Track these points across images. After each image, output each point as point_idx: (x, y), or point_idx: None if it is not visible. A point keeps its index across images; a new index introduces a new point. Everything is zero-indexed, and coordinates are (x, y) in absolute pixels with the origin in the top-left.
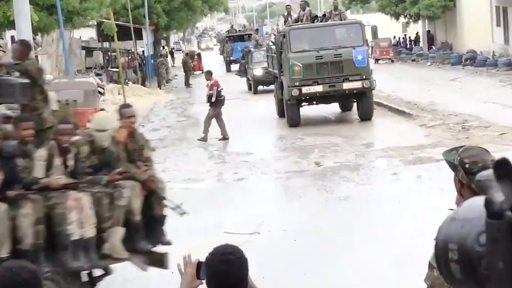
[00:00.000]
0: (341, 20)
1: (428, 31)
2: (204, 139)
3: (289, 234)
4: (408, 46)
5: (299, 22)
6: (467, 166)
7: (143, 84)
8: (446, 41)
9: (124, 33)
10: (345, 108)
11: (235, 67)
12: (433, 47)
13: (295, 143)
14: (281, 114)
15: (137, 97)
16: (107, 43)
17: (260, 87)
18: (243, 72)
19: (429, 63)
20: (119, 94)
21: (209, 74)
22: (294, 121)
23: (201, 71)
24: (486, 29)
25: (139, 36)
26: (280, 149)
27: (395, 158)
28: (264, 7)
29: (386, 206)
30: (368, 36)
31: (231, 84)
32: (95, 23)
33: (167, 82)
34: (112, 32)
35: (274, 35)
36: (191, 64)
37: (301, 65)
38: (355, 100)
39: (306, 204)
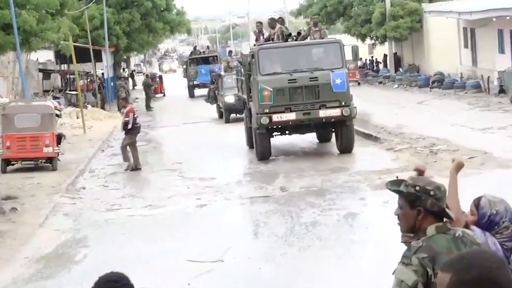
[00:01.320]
0: (322, 38)
1: (395, 53)
2: (131, 167)
3: (254, 261)
4: (374, 68)
5: (270, 42)
6: (432, 193)
7: (102, 107)
8: (413, 63)
9: (83, 55)
10: (324, 138)
11: (199, 92)
12: (400, 69)
13: (259, 167)
14: (251, 144)
15: (97, 121)
16: (65, 65)
17: (232, 115)
18: (212, 98)
19: (396, 86)
20: (77, 117)
21: (125, 101)
22: (264, 154)
23: (162, 94)
24: (453, 51)
25: (98, 58)
26: (245, 174)
27: (362, 183)
28: (227, 28)
29: (354, 232)
30: (348, 57)
31: (197, 110)
32: (53, 45)
33: None
34: (70, 53)
35: (241, 55)
36: (153, 86)
37: (271, 90)
38: (333, 130)
39: (271, 231)
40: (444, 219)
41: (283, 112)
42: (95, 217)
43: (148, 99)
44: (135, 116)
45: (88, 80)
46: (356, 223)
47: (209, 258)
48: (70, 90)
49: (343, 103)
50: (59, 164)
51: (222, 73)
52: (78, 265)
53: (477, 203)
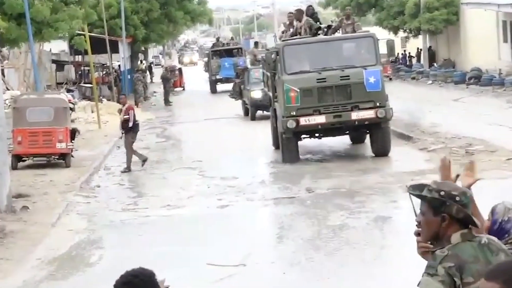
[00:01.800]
0: (355, 32)
1: (430, 47)
2: (144, 163)
3: (277, 266)
4: (407, 63)
5: (297, 36)
6: (457, 198)
7: (118, 101)
8: (448, 58)
9: (98, 46)
10: (357, 139)
11: (222, 87)
12: (435, 64)
13: (284, 166)
14: (277, 145)
15: (112, 116)
16: (80, 56)
17: (259, 112)
18: (237, 93)
19: (430, 82)
20: (92, 112)
21: (124, 97)
22: (290, 158)
23: (182, 88)
24: (492, 45)
25: (115, 49)
26: (269, 173)
27: (393, 185)
28: (251, 19)
29: (384, 237)
30: (383, 52)
31: (219, 106)
32: (67, 35)
33: (145, 100)
34: (83, 48)
35: (267, 50)
36: (172, 80)
37: (298, 90)
38: (367, 131)
39: (296, 234)
40: (470, 226)
41: (312, 114)
42: (110, 217)
43: (166, 93)
44: (135, 113)
45: (104, 72)
46: (387, 227)
47: (231, 262)
48: (84, 83)
49: (377, 104)
50: (73, 161)
51: (249, 66)
52: (93, 268)
53: (493, 208)
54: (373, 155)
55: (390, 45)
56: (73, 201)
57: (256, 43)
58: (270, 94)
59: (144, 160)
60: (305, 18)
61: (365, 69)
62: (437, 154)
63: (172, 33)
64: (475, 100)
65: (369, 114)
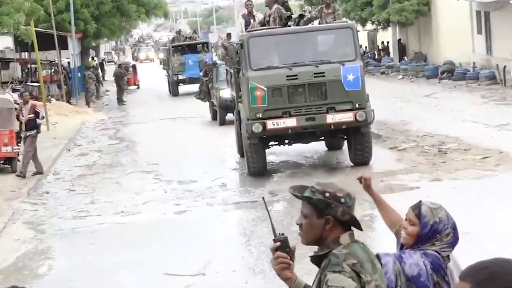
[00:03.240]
0: (336, 21)
1: (399, 40)
2: (39, 172)
3: (239, 275)
4: (376, 57)
5: (266, 26)
6: (343, 200)
7: (68, 101)
8: (420, 51)
9: (46, 42)
10: (334, 145)
11: (185, 88)
12: (405, 58)
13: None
14: (242, 153)
15: (62, 117)
16: (26, 53)
17: (230, 115)
18: (205, 93)
19: (400, 76)
20: None
21: (26, 94)
22: (257, 169)
23: (136, 87)
24: (465, 37)
25: (64, 46)
26: (229, 176)
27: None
28: (210, 12)
29: None
30: (363, 45)
31: (180, 107)
32: (11, 31)
33: (97, 99)
34: (30, 39)
35: (224, 45)
36: (125, 78)
37: (265, 89)
38: (344, 137)
39: (259, 240)
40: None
41: (281, 117)
42: (60, 225)
43: (120, 91)
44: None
45: (52, 70)
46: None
47: (189, 271)
48: (31, 82)
49: (357, 105)
50: (19, 165)
51: (218, 61)
52: (41, 279)
53: (417, 212)
54: (351, 164)
55: (371, 37)
56: (20, 208)
57: (228, 35)
58: (234, 93)
59: (39, 173)
60: (275, 6)
61: (343, 65)
62: (408, 153)
63: (124, 27)
64: (448, 96)
65: (347, 117)
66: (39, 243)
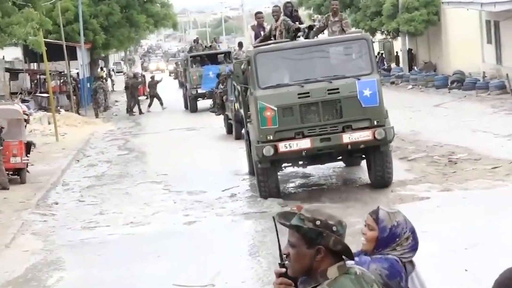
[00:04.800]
0: (343, 31)
1: (409, 50)
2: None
3: (249, 286)
4: (385, 67)
5: (271, 39)
6: (334, 228)
7: (77, 111)
8: (429, 61)
9: (55, 53)
10: (351, 162)
11: (204, 103)
12: (415, 67)
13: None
14: (253, 173)
15: (71, 127)
16: (36, 64)
17: None
18: (219, 106)
19: (410, 86)
20: (49, 123)
21: None
22: (268, 193)
23: (146, 97)
24: (475, 47)
25: (73, 56)
26: (239, 186)
27: (371, 196)
28: (219, 22)
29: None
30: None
31: (193, 118)
32: (21, 41)
33: (105, 110)
34: (40, 49)
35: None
36: (137, 88)
37: (275, 109)
38: (363, 156)
39: (268, 251)
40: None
41: (293, 138)
42: (69, 236)
43: (131, 102)
44: None
45: (61, 80)
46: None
47: (199, 282)
48: (41, 92)
49: (375, 122)
50: (28, 176)
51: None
52: None
53: (375, 217)
54: (371, 184)
55: (388, 48)
56: (29, 219)
57: (240, 44)
58: (242, 112)
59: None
60: (282, 17)
61: (359, 79)
62: (418, 163)
63: (134, 38)
64: (457, 106)
65: (365, 135)
66: (48, 254)
